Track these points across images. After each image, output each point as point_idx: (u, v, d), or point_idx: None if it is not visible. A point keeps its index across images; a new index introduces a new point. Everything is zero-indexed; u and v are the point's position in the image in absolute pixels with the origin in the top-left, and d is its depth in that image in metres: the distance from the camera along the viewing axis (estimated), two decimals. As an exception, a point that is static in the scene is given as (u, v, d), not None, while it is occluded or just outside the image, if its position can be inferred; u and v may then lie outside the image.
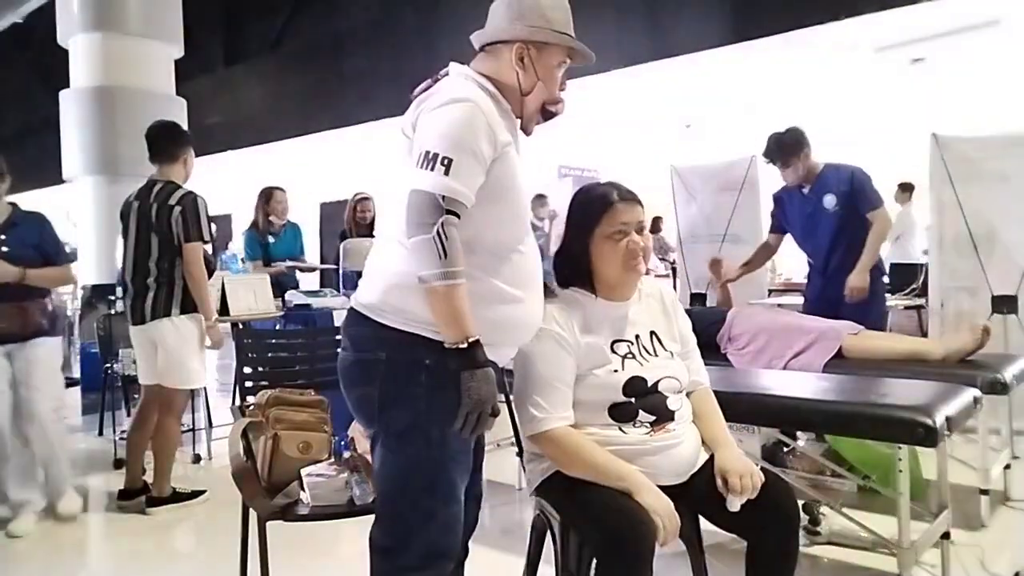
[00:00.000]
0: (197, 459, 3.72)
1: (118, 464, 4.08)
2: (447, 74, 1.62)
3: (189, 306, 3.38)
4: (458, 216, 1.44)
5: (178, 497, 3.42)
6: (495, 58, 1.64)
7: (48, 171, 8.62)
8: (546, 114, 1.68)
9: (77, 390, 6.68)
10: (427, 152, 1.45)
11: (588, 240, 1.80)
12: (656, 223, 9.84)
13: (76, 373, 7.06)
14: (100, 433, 4.82)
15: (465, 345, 1.44)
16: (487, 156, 1.48)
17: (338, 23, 10.10)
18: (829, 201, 3.77)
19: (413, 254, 1.44)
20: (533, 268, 1.65)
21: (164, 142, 3.46)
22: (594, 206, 1.80)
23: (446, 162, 1.43)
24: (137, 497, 3.45)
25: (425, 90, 1.58)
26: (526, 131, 1.69)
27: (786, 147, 3.81)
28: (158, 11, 6.99)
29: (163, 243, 3.33)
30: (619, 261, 1.77)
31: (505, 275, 1.56)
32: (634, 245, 1.77)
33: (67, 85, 6.98)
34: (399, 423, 1.55)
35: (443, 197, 1.42)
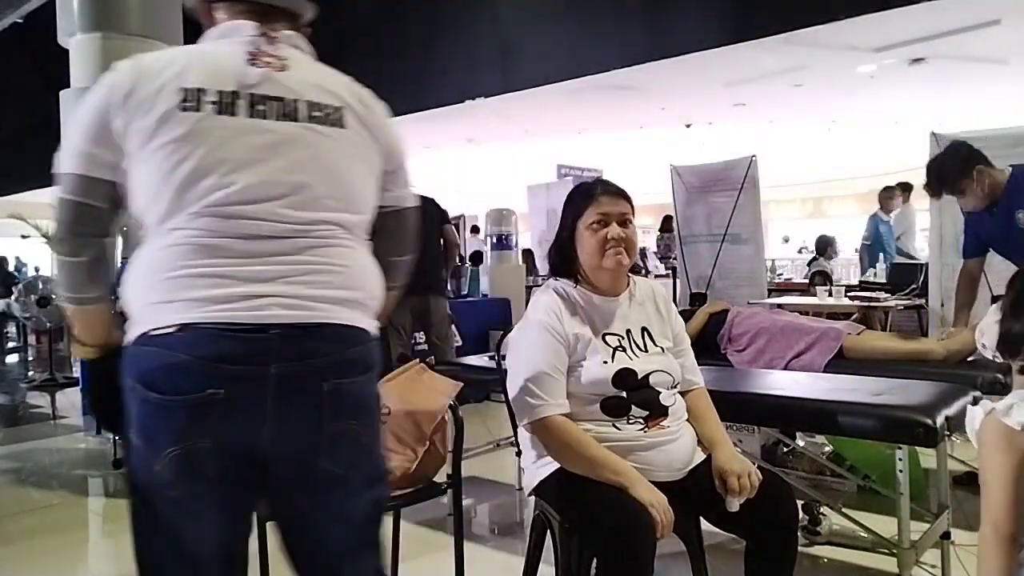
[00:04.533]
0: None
1: (117, 464, 4.08)
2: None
3: None
4: None
5: None
6: None
7: (48, 171, 8.61)
8: None
9: (77, 390, 6.69)
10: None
11: (573, 231, 1.85)
12: (667, 222, 9.81)
13: (76, 373, 7.07)
14: (99, 433, 4.82)
15: None
16: None
17: (338, 23, 10.10)
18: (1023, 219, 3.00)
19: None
20: None
21: None
22: (579, 199, 1.87)
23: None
24: None
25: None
26: None
27: (950, 173, 3.10)
28: (158, 11, 6.98)
29: None
30: (599, 250, 1.80)
31: None
32: (614, 235, 1.80)
33: (67, 85, 6.98)
34: None
35: None
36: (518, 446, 1.99)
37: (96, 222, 1.26)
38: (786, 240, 16.07)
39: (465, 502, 2.40)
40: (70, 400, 6.46)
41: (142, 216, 1.24)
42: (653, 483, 1.64)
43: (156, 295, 1.19)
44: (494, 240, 7.28)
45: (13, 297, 7.37)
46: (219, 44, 1.33)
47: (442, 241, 4.67)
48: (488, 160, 12.20)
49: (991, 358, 1.37)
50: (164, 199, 1.20)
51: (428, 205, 4.68)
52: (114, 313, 1.33)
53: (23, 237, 18.48)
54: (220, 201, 1.20)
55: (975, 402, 2.31)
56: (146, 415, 1.18)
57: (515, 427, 1.93)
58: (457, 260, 5.56)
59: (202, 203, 1.20)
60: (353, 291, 1.30)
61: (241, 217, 1.21)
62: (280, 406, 1.19)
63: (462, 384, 2.14)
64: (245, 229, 1.21)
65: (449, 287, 5.40)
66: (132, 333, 1.21)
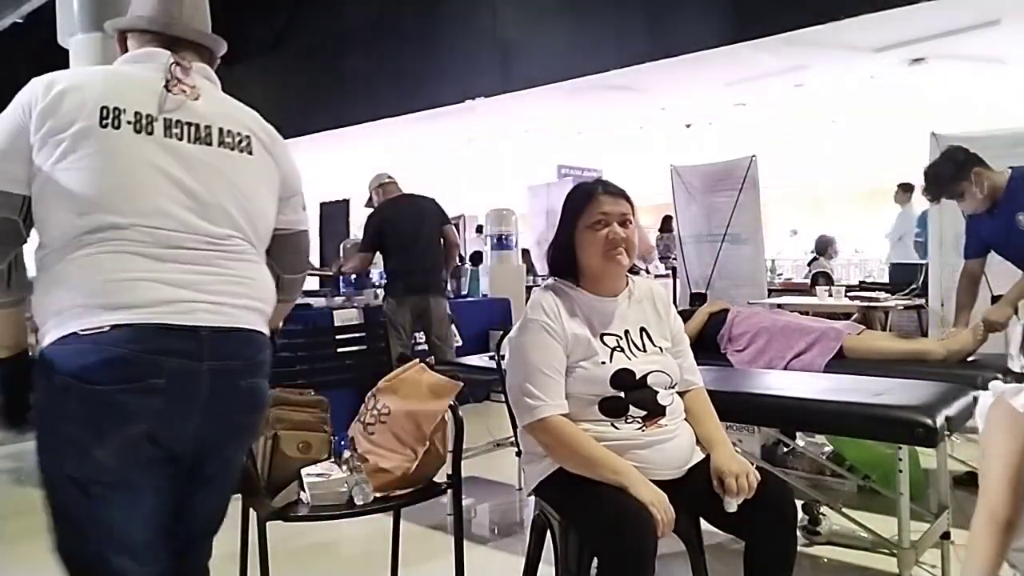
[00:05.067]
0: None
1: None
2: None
3: None
4: None
5: None
6: None
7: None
8: None
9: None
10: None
11: (573, 231, 1.85)
12: (667, 222, 9.80)
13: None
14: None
15: None
16: None
17: (338, 23, 10.11)
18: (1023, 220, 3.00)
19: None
20: None
21: None
22: (579, 198, 1.87)
23: None
24: None
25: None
26: None
27: (945, 178, 3.11)
28: (158, 11, 6.98)
29: None
30: (599, 250, 1.80)
31: None
32: (614, 235, 1.80)
33: (67, 85, 6.98)
34: None
35: None
36: (518, 446, 1.99)
37: (10, 234, 1.31)
38: (794, 233, 15.80)
39: (465, 502, 2.40)
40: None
41: (54, 227, 1.29)
42: (652, 482, 1.64)
43: (84, 298, 1.25)
44: (494, 240, 7.28)
45: (13, 297, 7.35)
46: (135, 68, 1.42)
47: (442, 241, 4.67)
48: (488, 160, 12.19)
49: (1019, 370, 1.36)
50: (81, 211, 1.27)
51: (428, 205, 4.67)
52: (28, 317, 1.39)
53: (23, 237, 18.60)
54: (141, 212, 1.29)
55: (976, 402, 2.32)
56: (85, 406, 1.24)
57: (515, 427, 1.93)
58: (457, 260, 5.56)
59: (122, 215, 1.28)
60: (257, 301, 1.43)
61: (162, 228, 1.30)
62: (210, 398, 1.32)
63: (462, 384, 2.14)
64: (165, 239, 1.30)
65: (449, 287, 5.39)
66: (54, 334, 1.26)
